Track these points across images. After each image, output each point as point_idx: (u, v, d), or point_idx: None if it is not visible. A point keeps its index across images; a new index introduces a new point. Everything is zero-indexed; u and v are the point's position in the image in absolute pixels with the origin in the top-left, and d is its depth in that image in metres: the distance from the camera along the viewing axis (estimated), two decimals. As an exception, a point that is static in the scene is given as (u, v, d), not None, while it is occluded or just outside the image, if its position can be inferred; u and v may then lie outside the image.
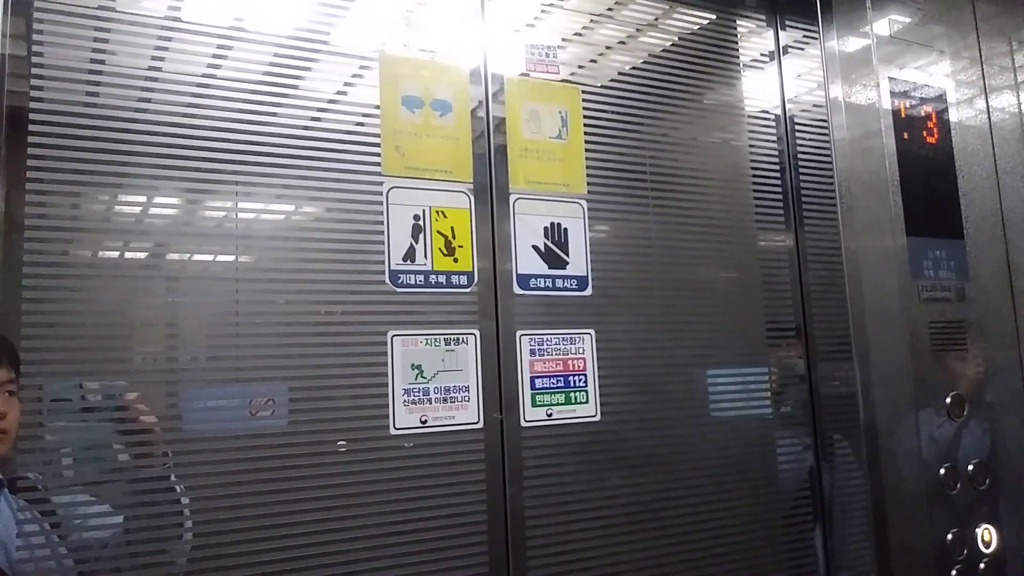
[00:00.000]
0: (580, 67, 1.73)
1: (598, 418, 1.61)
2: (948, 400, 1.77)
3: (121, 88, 1.28)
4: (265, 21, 1.41)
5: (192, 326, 1.34)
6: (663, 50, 1.85)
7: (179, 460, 1.26)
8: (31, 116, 1.20)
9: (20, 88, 1.20)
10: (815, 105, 1.98)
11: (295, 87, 1.42)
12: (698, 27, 1.90)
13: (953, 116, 1.94)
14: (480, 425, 1.49)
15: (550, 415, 1.56)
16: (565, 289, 1.62)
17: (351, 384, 1.40)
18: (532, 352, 1.56)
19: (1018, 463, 1.86)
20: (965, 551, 1.73)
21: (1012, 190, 1.97)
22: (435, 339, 1.48)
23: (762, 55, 2.00)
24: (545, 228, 1.62)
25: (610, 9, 1.79)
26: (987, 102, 2.00)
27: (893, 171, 1.80)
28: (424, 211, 1.50)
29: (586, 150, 1.69)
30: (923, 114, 1.89)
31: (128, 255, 1.29)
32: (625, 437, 1.64)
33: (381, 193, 1.47)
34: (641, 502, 1.63)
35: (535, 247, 1.60)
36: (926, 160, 1.86)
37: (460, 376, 1.48)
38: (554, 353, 1.58)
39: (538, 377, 1.56)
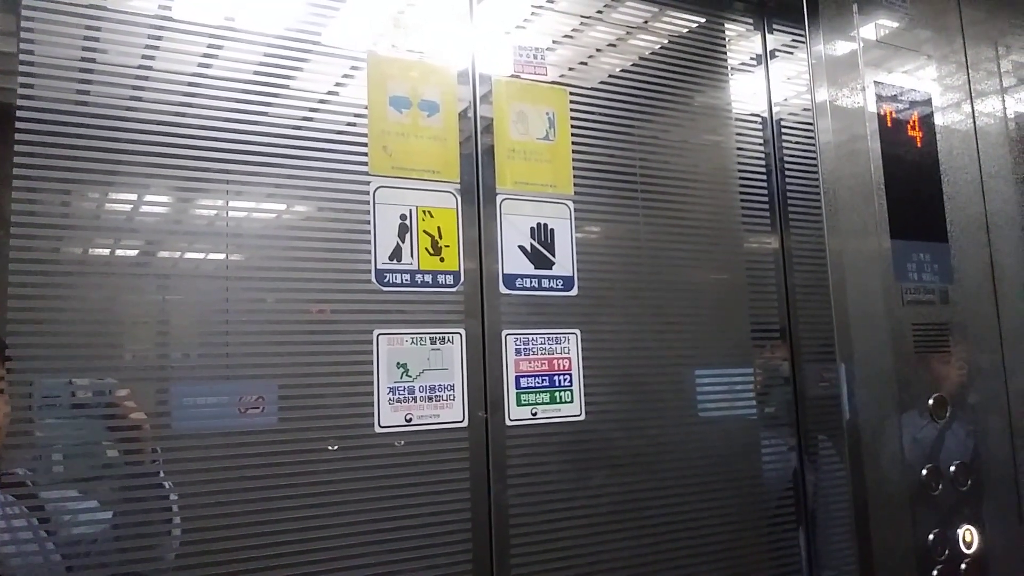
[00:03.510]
0: (569, 69, 1.75)
1: (583, 417, 1.62)
2: (931, 402, 1.79)
3: (111, 86, 1.29)
4: (256, 20, 1.42)
5: (182, 324, 1.35)
6: (652, 53, 1.86)
7: (169, 457, 1.27)
8: (19, 113, 1.20)
9: (8, 85, 1.21)
10: (802, 109, 1.99)
11: (286, 86, 1.43)
12: (687, 30, 1.91)
13: (939, 120, 1.96)
14: (465, 424, 1.50)
15: (535, 414, 1.57)
16: (551, 289, 1.63)
17: (338, 382, 1.41)
18: (517, 351, 1.57)
19: (1000, 464, 1.88)
20: (947, 551, 1.75)
21: (996, 194, 1.99)
22: (421, 338, 1.49)
23: (750, 59, 2.01)
24: (532, 228, 1.63)
25: (599, 12, 1.80)
26: (972, 106, 2.02)
27: (878, 174, 1.82)
28: (411, 211, 1.51)
29: (573, 151, 1.70)
30: (909, 118, 1.90)
31: (118, 253, 1.30)
32: (609, 436, 1.66)
33: (368, 193, 1.48)
34: (625, 501, 1.64)
35: (521, 247, 1.61)
36: (911, 164, 1.88)
37: (445, 375, 1.49)
38: (539, 353, 1.59)
39: (523, 376, 1.57)
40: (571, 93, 1.72)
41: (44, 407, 1.19)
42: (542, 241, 1.63)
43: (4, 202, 1.19)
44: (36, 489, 1.21)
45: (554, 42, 1.74)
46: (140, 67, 1.32)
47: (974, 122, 2.01)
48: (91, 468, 1.23)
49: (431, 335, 1.50)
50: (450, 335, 1.51)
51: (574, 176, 1.69)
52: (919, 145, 1.91)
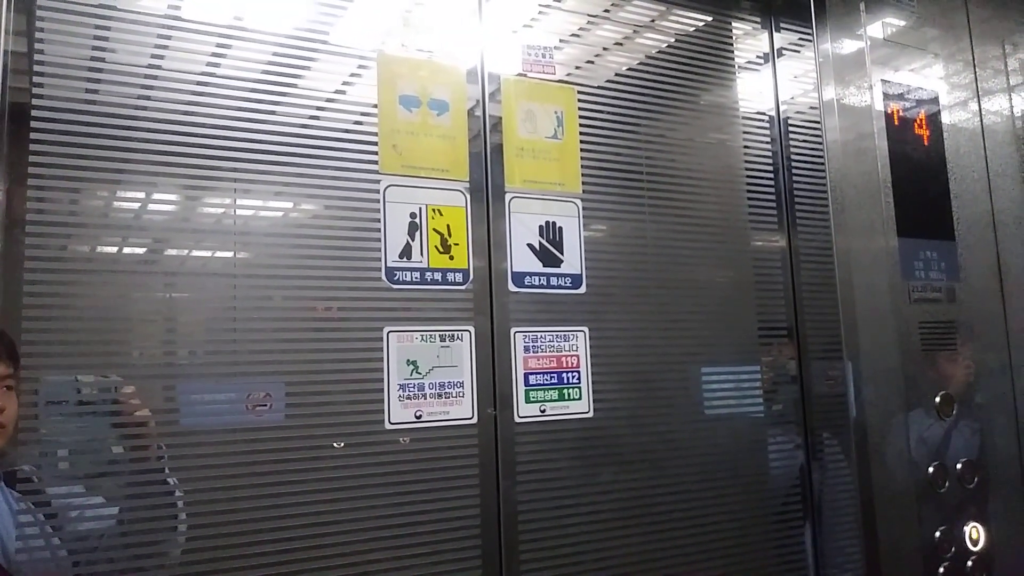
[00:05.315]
0: (577, 68, 1.75)
1: (591, 415, 1.62)
2: (937, 400, 1.79)
3: (121, 85, 1.29)
4: (264, 19, 1.42)
5: (190, 322, 1.35)
6: (659, 51, 1.86)
7: (177, 453, 1.27)
8: (32, 112, 1.21)
9: (21, 84, 1.21)
10: (809, 107, 1.99)
11: (294, 85, 1.43)
12: (694, 29, 1.91)
13: (946, 118, 1.96)
14: (474, 420, 1.51)
15: (543, 411, 1.57)
16: (559, 287, 1.63)
17: (347, 380, 1.42)
18: (526, 349, 1.58)
19: (1006, 462, 1.88)
20: (953, 549, 1.75)
21: (1003, 192, 1.99)
22: (430, 335, 1.49)
23: (757, 57, 2.01)
24: (540, 227, 1.63)
25: (607, 10, 1.80)
26: (979, 105, 2.02)
27: (885, 173, 1.82)
28: (420, 209, 1.52)
29: (581, 150, 1.70)
30: (916, 116, 1.91)
31: (127, 251, 1.30)
32: (618, 433, 1.66)
33: (378, 191, 1.49)
34: (633, 498, 1.65)
35: (530, 245, 1.62)
36: (918, 162, 1.88)
37: (455, 372, 1.50)
38: (548, 350, 1.60)
39: (532, 373, 1.57)
40: (579, 92, 1.73)
41: (51, 405, 1.19)
42: (550, 239, 1.64)
43: (19, 201, 1.19)
44: (43, 485, 1.21)
45: (562, 41, 1.74)
46: (149, 67, 1.32)
47: (981, 120, 2.01)
48: (97, 465, 1.24)
49: (441, 332, 1.50)
50: (459, 332, 1.52)
51: (582, 174, 1.70)
52: (926, 143, 1.91)
